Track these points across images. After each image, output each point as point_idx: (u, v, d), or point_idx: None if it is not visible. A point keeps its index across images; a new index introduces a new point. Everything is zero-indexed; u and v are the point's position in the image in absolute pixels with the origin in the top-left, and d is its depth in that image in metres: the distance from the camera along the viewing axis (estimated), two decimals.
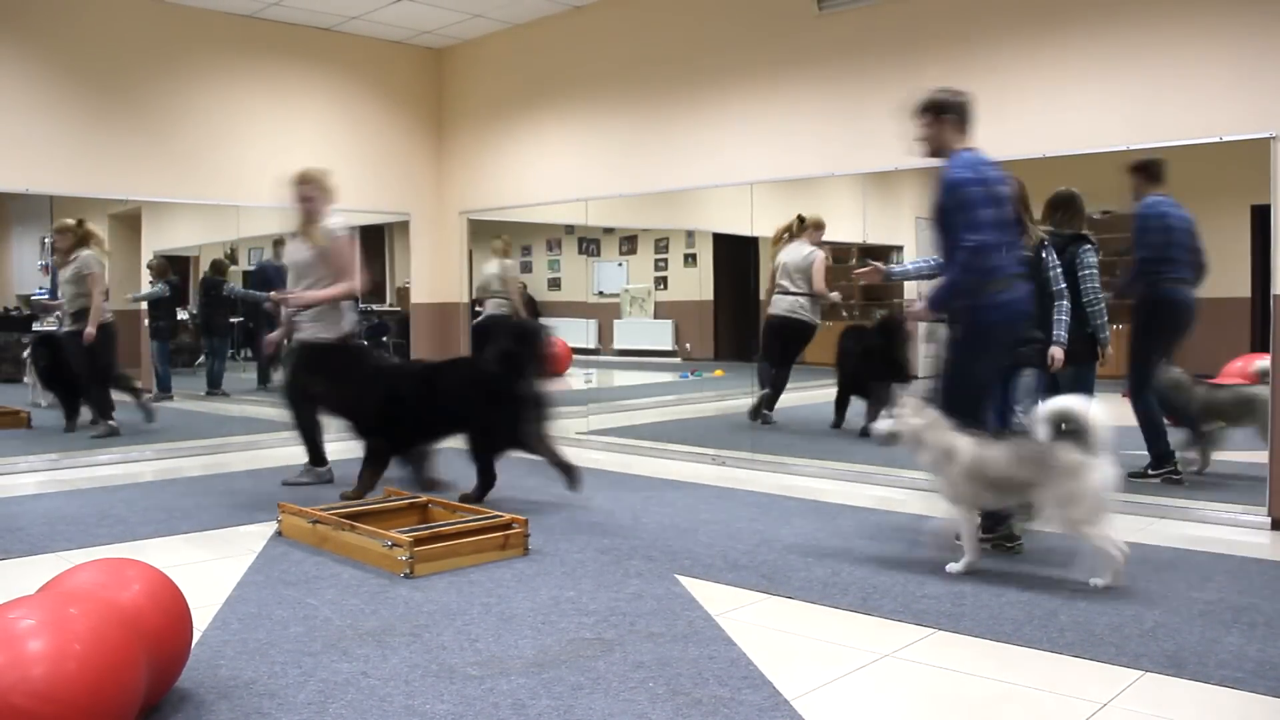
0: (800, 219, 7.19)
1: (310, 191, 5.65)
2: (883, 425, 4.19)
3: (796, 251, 7.27)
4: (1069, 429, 3.82)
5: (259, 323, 9.40)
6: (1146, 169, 5.40)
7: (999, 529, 4.35)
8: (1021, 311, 4.34)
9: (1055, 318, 4.89)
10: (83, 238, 7.12)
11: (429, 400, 5.40)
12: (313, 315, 5.62)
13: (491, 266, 8.89)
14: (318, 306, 5.58)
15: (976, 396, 4.31)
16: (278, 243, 8.99)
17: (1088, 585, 3.81)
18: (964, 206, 4.16)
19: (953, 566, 4.04)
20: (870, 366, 6.97)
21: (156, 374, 8.37)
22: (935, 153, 4.42)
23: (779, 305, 7.33)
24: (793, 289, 7.23)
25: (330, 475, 6.02)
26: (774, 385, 7.44)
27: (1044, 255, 4.88)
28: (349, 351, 5.60)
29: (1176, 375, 5.56)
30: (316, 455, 6.04)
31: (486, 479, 5.37)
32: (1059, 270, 4.90)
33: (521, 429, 5.27)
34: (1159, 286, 5.39)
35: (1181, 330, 5.48)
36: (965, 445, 3.97)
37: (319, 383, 5.52)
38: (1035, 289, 4.82)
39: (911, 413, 4.07)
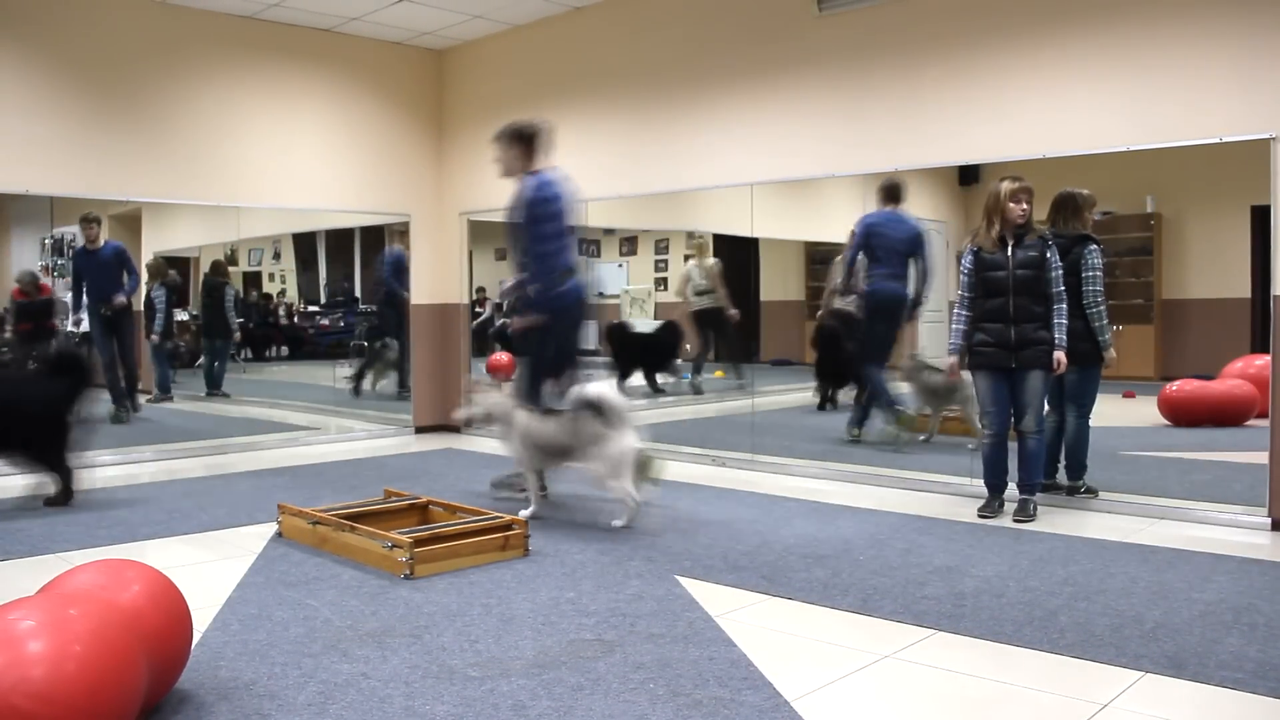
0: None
1: None
2: (462, 411, 5.17)
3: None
4: (599, 408, 4.74)
5: (261, 323, 9.42)
6: (887, 190, 6.34)
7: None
8: (577, 301, 5.32)
9: (1055, 321, 4.89)
10: None
11: None
12: None
13: (692, 268, 8.88)
14: None
15: (546, 373, 5.26)
16: (403, 232, 9.05)
17: (610, 526, 4.80)
18: (533, 220, 5.11)
19: (523, 513, 4.87)
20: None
21: (156, 375, 8.37)
22: (511, 174, 5.30)
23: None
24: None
25: None
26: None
27: (1048, 256, 4.88)
28: None
29: (912, 362, 6.58)
30: None
31: (65, 479, 5.47)
32: (1060, 272, 4.90)
33: (56, 446, 5.43)
34: (871, 283, 6.49)
35: (893, 317, 6.53)
36: (525, 418, 4.95)
37: None
38: (1039, 290, 4.86)
39: (486, 395, 5.04)
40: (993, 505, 5.09)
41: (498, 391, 5.10)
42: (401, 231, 9.15)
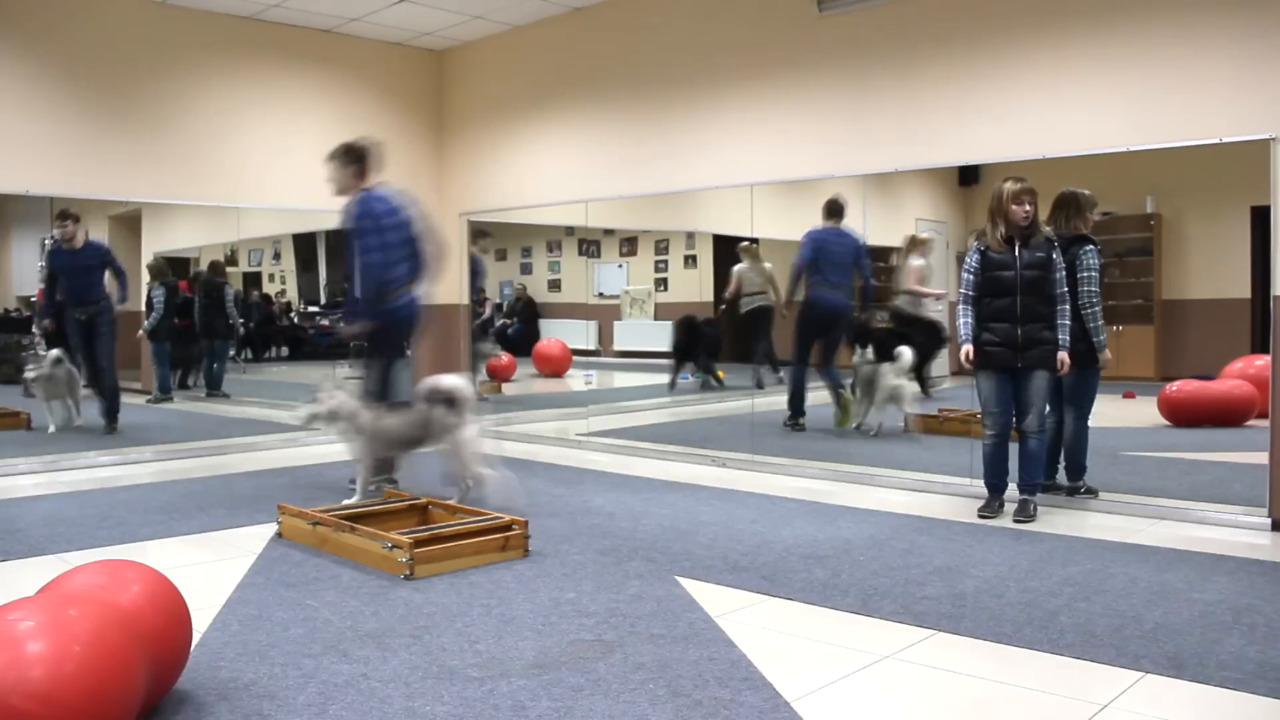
0: (911, 239, 7.86)
1: None
2: (304, 410, 5.26)
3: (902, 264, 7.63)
4: (449, 399, 5.04)
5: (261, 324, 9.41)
6: (830, 207, 6.91)
7: (385, 474, 5.50)
8: (411, 315, 5.63)
9: (1058, 322, 4.91)
10: None
11: None
12: None
13: (745, 270, 8.96)
14: None
15: (383, 379, 5.54)
16: (484, 232, 9.07)
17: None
18: (361, 234, 5.39)
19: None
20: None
21: (156, 375, 8.37)
22: (343, 192, 5.55)
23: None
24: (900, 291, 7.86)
25: None
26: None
27: (1054, 257, 4.90)
28: None
29: (858, 360, 7.13)
30: None
31: None
32: (1063, 273, 4.91)
33: None
34: (810, 291, 7.11)
35: (827, 321, 7.19)
36: (369, 416, 5.15)
37: None
38: (1045, 291, 4.87)
39: (327, 396, 5.15)
40: (993, 505, 5.08)
41: (341, 391, 5.24)
42: (482, 232, 9.09)
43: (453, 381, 5.13)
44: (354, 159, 5.51)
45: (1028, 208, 4.89)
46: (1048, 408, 5.13)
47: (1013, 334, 4.93)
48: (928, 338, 8.18)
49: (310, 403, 5.21)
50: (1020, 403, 4.98)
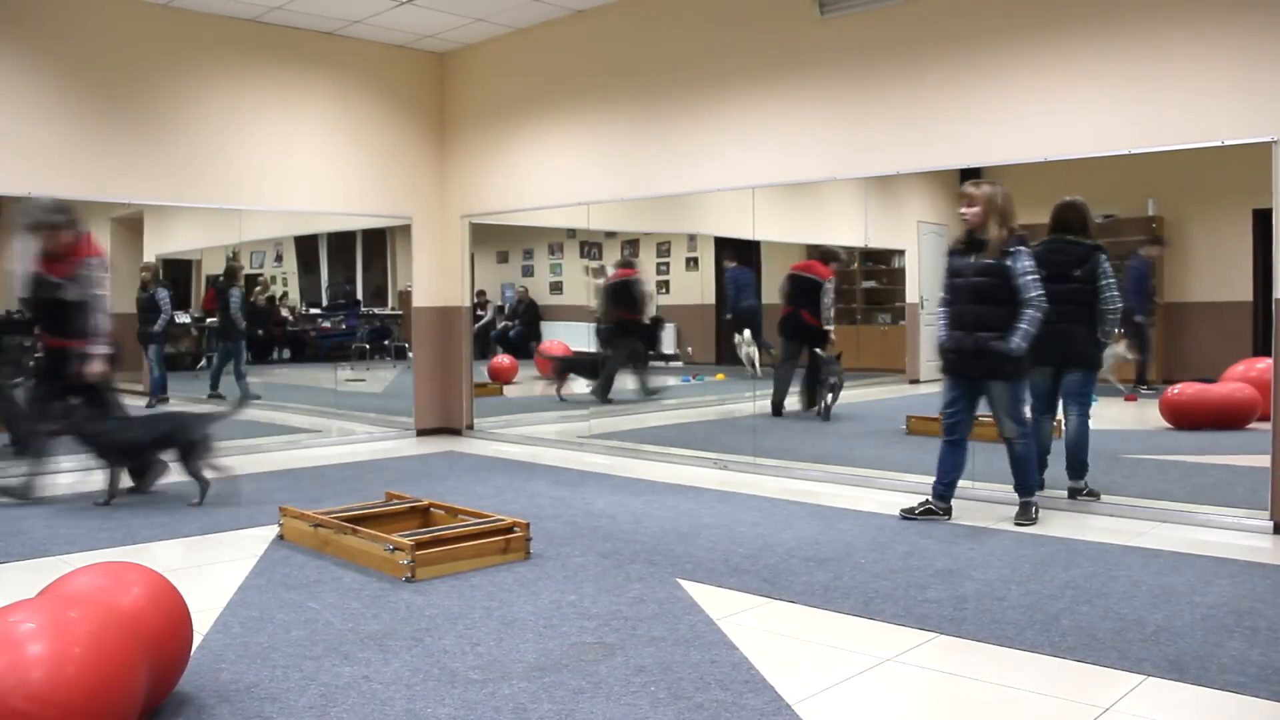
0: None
1: None
2: None
3: None
4: None
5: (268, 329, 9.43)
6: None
7: None
8: None
9: (1017, 325, 4.72)
10: None
11: None
12: None
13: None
14: None
15: None
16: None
17: None
18: None
19: None
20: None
21: (153, 377, 8.38)
22: None
23: None
24: None
25: None
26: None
27: (1008, 264, 4.75)
28: None
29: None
30: None
31: None
32: (1031, 278, 4.73)
33: None
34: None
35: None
36: None
37: None
38: (998, 299, 4.78)
39: None
40: (930, 507, 5.04)
41: None
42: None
43: None
44: None
45: (962, 210, 4.88)
46: (1033, 407, 5.09)
47: (966, 342, 4.88)
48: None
49: None
50: (993, 412, 4.94)
